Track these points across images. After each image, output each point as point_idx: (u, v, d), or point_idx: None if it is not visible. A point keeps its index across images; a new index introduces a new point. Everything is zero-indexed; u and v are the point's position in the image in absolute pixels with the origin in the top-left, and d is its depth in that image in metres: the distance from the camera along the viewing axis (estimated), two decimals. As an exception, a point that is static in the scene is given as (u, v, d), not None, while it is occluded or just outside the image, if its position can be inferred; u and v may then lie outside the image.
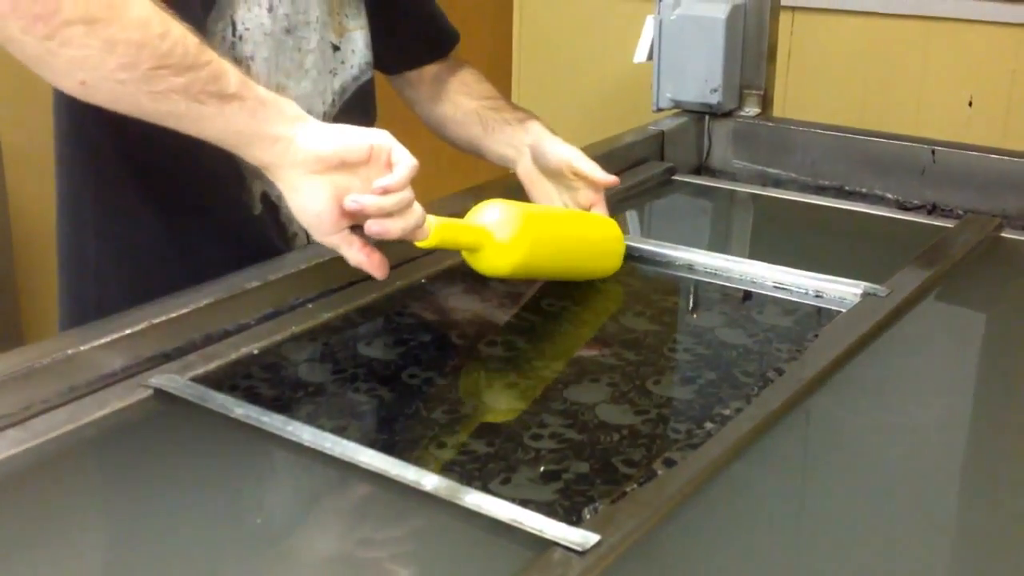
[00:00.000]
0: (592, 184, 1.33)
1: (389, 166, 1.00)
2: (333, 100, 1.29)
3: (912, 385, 1.12)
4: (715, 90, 1.80)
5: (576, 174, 1.32)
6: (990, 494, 0.93)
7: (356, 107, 1.32)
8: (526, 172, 1.37)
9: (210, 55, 0.94)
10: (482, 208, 1.14)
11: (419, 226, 1.02)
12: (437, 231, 1.05)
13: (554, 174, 1.35)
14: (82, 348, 0.99)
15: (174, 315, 1.05)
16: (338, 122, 1.29)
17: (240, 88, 0.95)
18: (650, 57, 1.86)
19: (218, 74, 0.94)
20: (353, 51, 1.30)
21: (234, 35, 1.16)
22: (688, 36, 1.80)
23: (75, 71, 0.88)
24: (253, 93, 0.97)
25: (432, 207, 1.02)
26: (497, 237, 1.11)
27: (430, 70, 1.45)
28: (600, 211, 1.34)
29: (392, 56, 1.41)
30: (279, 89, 1.21)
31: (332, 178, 0.98)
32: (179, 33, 0.92)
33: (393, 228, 0.99)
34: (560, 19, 2.97)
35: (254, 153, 0.98)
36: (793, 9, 2.55)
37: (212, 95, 0.94)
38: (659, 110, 1.87)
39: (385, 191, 0.98)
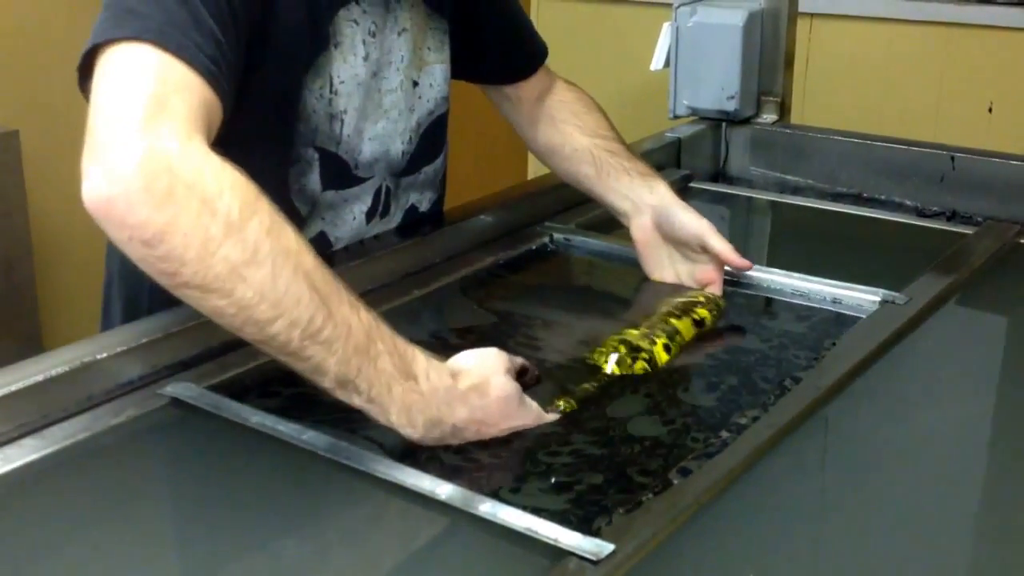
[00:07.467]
0: (718, 262, 1.26)
1: None
2: (410, 137, 1.25)
3: (931, 393, 1.11)
4: (732, 97, 1.79)
5: (706, 250, 1.25)
6: (1010, 503, 0.92)
7: (427, 141, 1.28)
8: (642, 233, 1.30)
9: (314, 350, 0.88)
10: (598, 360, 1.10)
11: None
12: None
13: (677, 243, 1.28)
14: (99, 357, 0.99)
15: (191, 324, 1.05)
16: (412, 155, 1.25)
17: (336, 385, 0.90)
18: (667, 64, 1.86)
19: (318, 369, 0.90)
20: (431, 85, 1.26)
21: (331, 91, 1.14)
22: (705, 43, 1.80)
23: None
24: (351, 395, 0.91)
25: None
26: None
27: (530, 90, 1.38)
28: (716, 289, 1.26)
29: (480, 73, 1.36)
30: (358, 133, 1.18)
31: None
32: (288, 320, 0.87)
33: None
34: (576, 26, 2.97)
35: None
36: (811, 15, 2.55)
37: (309, 376, 0.91)
38: (676, 117, 1.87)
39: None
